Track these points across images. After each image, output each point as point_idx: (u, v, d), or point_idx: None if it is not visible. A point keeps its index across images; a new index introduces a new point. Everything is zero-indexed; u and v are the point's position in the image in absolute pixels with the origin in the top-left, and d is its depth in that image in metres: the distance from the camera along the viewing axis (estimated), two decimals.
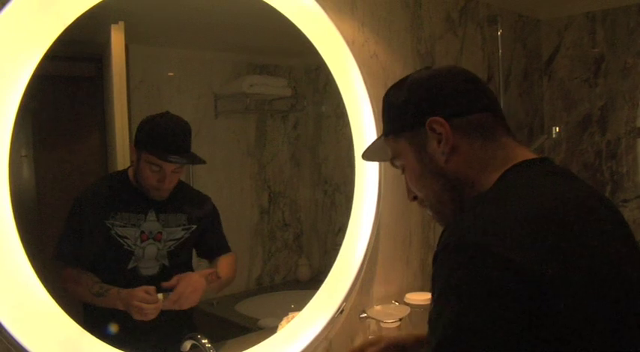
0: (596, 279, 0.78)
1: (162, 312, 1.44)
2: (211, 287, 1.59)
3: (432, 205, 1.03)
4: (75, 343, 1.24)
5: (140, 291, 1.42)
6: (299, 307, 1.72)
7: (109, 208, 1.46)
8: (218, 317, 1.76)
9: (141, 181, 1.48)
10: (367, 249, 1.84)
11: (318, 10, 1.69)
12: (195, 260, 1.64)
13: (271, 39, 1.84)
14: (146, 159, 1.46)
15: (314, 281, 1.95)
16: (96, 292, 1.42)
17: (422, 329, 2.00)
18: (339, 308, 1.75)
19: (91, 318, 1.43)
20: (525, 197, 0.84)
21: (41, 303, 1.19)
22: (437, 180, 0.99)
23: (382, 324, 1.84)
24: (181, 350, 1.42)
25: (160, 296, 1.45)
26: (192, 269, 1.62)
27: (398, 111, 1.03)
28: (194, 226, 1.56)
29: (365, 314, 1.84)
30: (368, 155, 1.24)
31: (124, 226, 1.46)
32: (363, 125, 1.85)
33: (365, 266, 1.84)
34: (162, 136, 1.50)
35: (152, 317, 1.42)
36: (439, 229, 2.22)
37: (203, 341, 1.38)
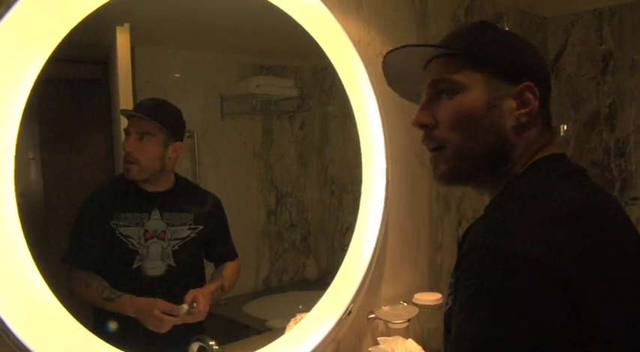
0: (632, 288, 0.77)
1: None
2: (216, 299, 1.60)
3: (455, 152, 0.93)
4: (82, 346, 1.24)
5: (160, 301, 1.43)
6: (307, 307, 1.71)
7: (114, 209, 1.46)
8: (226, 318, 1.76)
9: None
10: (375, 249, 1.84)
11: (323, 10, 1.68)
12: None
13: (277, 40, 1.84)
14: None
15: (321, 281, 1.95)
16: (106, 297, 1.42)
17: (430, 329, 2.00)
18: (347, 310, 1.74)
19: (100, 320, 1.43)
20: (555, 200, 0.81)
21: (49, 306, 1.18)
22: (488, 135, 0.91)
23: (390, 325, 1.83)
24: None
25: (184, 308, 1.47)
26: (203, 272, 1.63)
27: (501, 46, 0.94)
28: (201, 226, 1.56)
29: (373, 315, 1.83)
30: (395, 57, 1.02)
31: (127, 226, 1.46)
32: (370, 125, 1.84)
33: (373, 266, 1.83)
34: (138, 102, 1.50)
35: (165, 330, 1.43)
36: (447, 229, 2.24)
37: (210, 342, 1.37)
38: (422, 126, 0.96)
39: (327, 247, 2.11)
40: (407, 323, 1.82)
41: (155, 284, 1.47)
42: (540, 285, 0.71)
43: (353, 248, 1.82)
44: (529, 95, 0.91)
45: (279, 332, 1.65)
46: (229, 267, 1.67)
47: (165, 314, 1.44)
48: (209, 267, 1.65)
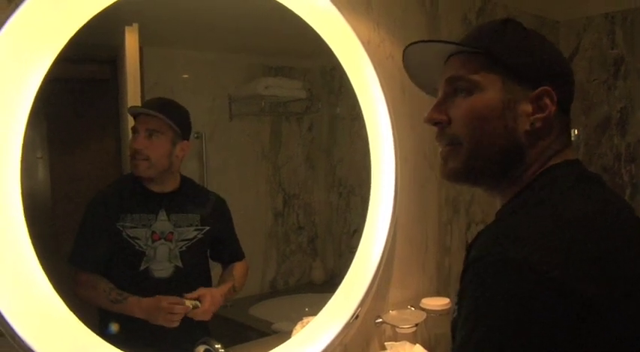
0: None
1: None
2: (228, 300, 1.61)
3: (466, 150, 0.92)
4: (87, 348, 1.23)
5: (165, 297, 1.44)
6: (313, 310, 1.70)
7: (120, 211, 1.46)
8: (232, 321, 1.75)
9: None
10: (383, 253, 1.82)
11: (333, 10, 1.67)
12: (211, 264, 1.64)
13: (286, 40, 1.83)
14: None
15: (328, 284, 1.95)
16: (114, 299, 1.42)
17: (438, 334, 1.99)
18: (354, 314, 1.73)
19: (105, 322, 1.43)
20: (567, 209, 0.80)
21: (54, 307, 1.18)
22: (500, 138, 0.90)
23: (398, 330, 1.82)
24: None
25: (190, 303, 1.47)
26: (209, 273, 1.62)
27: (519, 50, 0.92)
28: (207, 227, 1.55)
29: (380, 320, 1.82)
30: (415, 51, 1.00)
31: (134, 227, 1.45)
32: (379, 127, 1.83)
33: (381, 270, 1.82)
34: (146, 100, 1.51)
35: (176, 323, 1.43)
36: (456, 233, 2.22)
37: (216, 346, 1.37)
38: (434, 123, 0.95)
39: (334, 250, 2.11)
40: (414, 328, 1.81)
41: (162, 286, 1.46)
42: (546, 297, 0.70)
43: (361, 251, 1.81)
44: (546, 100, 0.89)
45: (285, 335, 1.64)
46: (238, 268, 1.67)
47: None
48: (215, 269, 1.65)
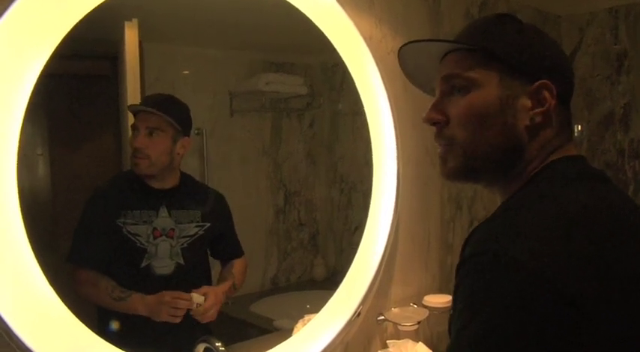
0: (637, 300, 0.73)
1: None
2: (229, 298, 1.60)
3: (464, 150, 0.90)
4: (86, 347, 1.22)
5: (168, 292, 1.43)
6: (314, 307, 1.70)
7: (120, 207, 1.45)
8: (233, 318, 1.75)
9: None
10: (385, 250, 1.81)
11: (334, 5, 1.66)
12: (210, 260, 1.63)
13: (287, 36, 1.83)
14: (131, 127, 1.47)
15: (329, 281, 1.95)
16: (117, 296, 1.41)
17: (440, 332, 1.98)
18: (355, 311, 1.72)
19: (105, 321, 1.42)
20: (565, 205, 0.78)
21: (51, 306, 1.17)
22: (500, 135, 0.88)
23: (400, 327, 1.81)
24: None
25: (196, 297, 1.46)
26: (209, 270, 1.62)
27: (516, 44, 0.90)
28: (208, 224, 1.55)
29: (382, 317, 1.81)
30: (411, 50, 0.99)
31: (135, 224, 1.44)
32: (381, 123, 1.82)
33: (383, 267, 1.81)
34: (145, 97, 1.50)
35: (179, 319, 1.43)
36: (458, 230, 2.21)
37: (217, 344, 1.36)
38: (433, 123, 0.94)
39: (335, 246, 2.11)
40: (417, 326, 1.80)
41: (164, 283, 1.46)
42: (539, 295, 0.69)
43: (363, 248, 1.80)
44: (545, 94, 0.88)
45: (286, 332, 1.64)
46: (238, 265, 1.66)
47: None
48: (215, 267, 1.64)
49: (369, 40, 1.76)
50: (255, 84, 1.80)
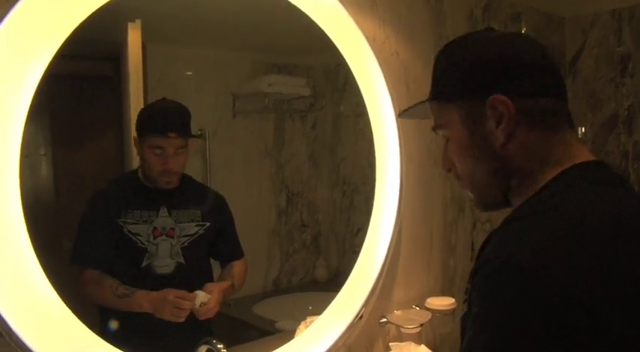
0: None
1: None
2: (227, 297, 1.59)
3: (474, 186, 0.96)
4: (87, 348, 1.22)
5: (173, 290, 1.43)
6: (317, 308, 1.70)
7: (121, 207, 1.45)
8: (235, 319, 1.75)
9: (148, 173, 1.48)
10: (388, 252, 1.81)
11: (337, 6, 1.66)
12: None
13: (290, 37, 1.82)
14: (148, 144, 1.46)
15: (332, 282, 1.95)
16: (121, 294, 1.41)
17: (443, 334, 1.97)
18: (358, 314, 1.72)
19: (106, 322, 1.42)
20: (583, 213, 0.77)
21: (52, 307, 1.16)
22: (489, 162, 0.91)
23: (403, 330, 1.80)
24: None
25: (201, 296, 1.46)
26: (210, 269, 1.62)
27: (453, 75, 0.92)
28: (208, 223, 1.55)
29: (385, 320, 1.81)
30: (408, 114, 1.13)
31: (135, 223, 1.45)
32: (384, 124, 1.82)
33: (385, 269, 1.80)
34: (161, 115, 1.49)
35: (182, 319, 1.43)
36: (461, 232, 2.21)
37: (219, 346, 1.36)
38: (447, 170, 1.01)
39: (337, 248, 2.10)
40: (419, 328, 1.80)
41: (164, 283, 1.46)
42: (543, 298, 0.69)
43: (365, 250, 1.79)
44: (500, 108, 0.86)
45: (288, 333, 1.64)
46: (237, 266, 1.66)
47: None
48: (215, 268, 1.64)
49: (372, 41, 1.76)
50: (258, 85, 1.80)
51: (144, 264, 1.45)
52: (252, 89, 1.80)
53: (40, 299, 1.14)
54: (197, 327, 1.50)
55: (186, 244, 1.51)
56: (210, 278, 1.60)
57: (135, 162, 1.50)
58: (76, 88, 1.45)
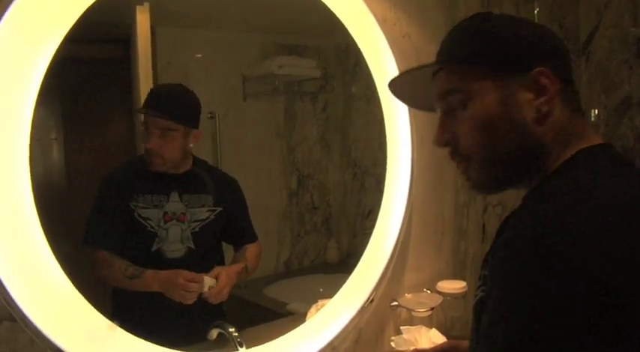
0: None
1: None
2: (241, 280, 1.60)
3: (486, 163, 0.89)
4: (100, 333, 1.23)
5: (183, 271, 1.44)
6: (327, 290, 1.70)
7: (132, 191, 1.46)
8: (247, 301, 1.76)
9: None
10: (399, 235, 1.81)
11: None
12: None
13: (300, 18, 1.81)
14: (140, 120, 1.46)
15: (343, 264, 1.96)
16: (130, 274, 1.42)
17: (454, 317, 1.97)
18: (369, 297, 1.72)
19: (119, 305, 1.45)
20: (602, 194, 0.76)
21: (66, 293, 1.17)
22: (514, 135, 0.86)
23: (414, 313, 1.80)
24: (208, 338, 1.41)
25: (207, 280, 1.46)
26: (222, 254, 1.63)
27: (490, 43, 0.88)
28: (220, 208, 1.55)
29: (396, 303, 1.80)
30: (398, 85, 1.03)
31: (146, 207, 1.45)
32: (395, 106, 1.80)
33: (396, 253, 1.80)
34: (152, 94, 1.47)
35: (191, 301, 1.43)
36: (472, 216, 2.19)
37: (230, 329, 1.37)
38: (445, 144, 0.93)
39: (348, 230, 2.11)
40: (430, 312, 1.79)
41: (174, 267, 1.46)
42: (575, 284, 0.68)
43: (376, 234, 1.79)
44: (544, 81, 0.85)
45: (299, 316, 1.65)
46: (251, 249, 1.67)
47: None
48: (228, 251, 1.64)
49: (382, 23, 1.74)
50: (268, 67, 1.79)
51: (154, 248, 1.46)
52: (263, 71, 1.80)
53: (52, 284, 1.15)
54: (209, 310, 1.51)
55: (197, 229, 1.51)
56: (221, 263, 1.61)
57: None
58: (87, 71, 1.45)
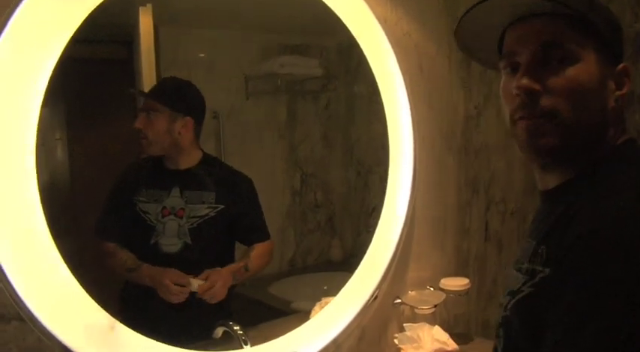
0: None
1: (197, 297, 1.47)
2: (238, 279, 1.60)
3: (568, 128, 0.84)
4: (106, 331, 1.24)
5: (173, 271, 1.46)
6: (331, 288, 1.71)
7: (139, 185, 1.51)
8: (251, 299, 1.77)
9: None
10: (402, 233, 1.81)
11: None
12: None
13: (302, 18, 1.81)
14: None
15: (346, 262, 1.95)
16: (128, 267, 1.46)
17: (457, 315, 1.97)
18: (372, 295, 1.73)
19: (126, 301, 1.49)
20: None
21: (72, 292, 1.18)
22: (595, 113, 0.85)
23: (417, 311, 1.81)
24: (213, 336, 1.42)
25: (194, 282, 1.47)
26: (231, 252, 1.65)
27: (607, 17, 0.88)
28: (221, 206, 1.55)
29: (399, 300, 1.81)
30: (480, 13, 0.91)
31: (147, 202, 1.50)
32: (397, 105, 1.80)
33: (399, 250, 1.81)
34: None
35: (178, 300, 1.46)
36: (475, 214, 2.19)
37: (235, 327, 1.37)
38: (527, 92, 0.85)
39: (352, 228, 2.11)
40: (433, 309, 1.80)
41: (171, 261, 1.49)
42: None
43: (379, 232, 1.79)
44: (625, 77, 0.88)
45: (303, 314, 1.65)
46: (257, 249, 1.67)
47: (177, 285, 1.47)
48: (240, 249, 1.65)
49: (384, 23, 1.74)
50: (271, 66, 1.80)
51: (152, 241, 1.49)
52: (265, 70, 1.80)
53: (58, 283, 1.16)
54: (215, 309, 1.52)
55: (195, 225, 1.52)
56: (220, 261, 1.60)
57: None
58: (91, 71, 1.46)
